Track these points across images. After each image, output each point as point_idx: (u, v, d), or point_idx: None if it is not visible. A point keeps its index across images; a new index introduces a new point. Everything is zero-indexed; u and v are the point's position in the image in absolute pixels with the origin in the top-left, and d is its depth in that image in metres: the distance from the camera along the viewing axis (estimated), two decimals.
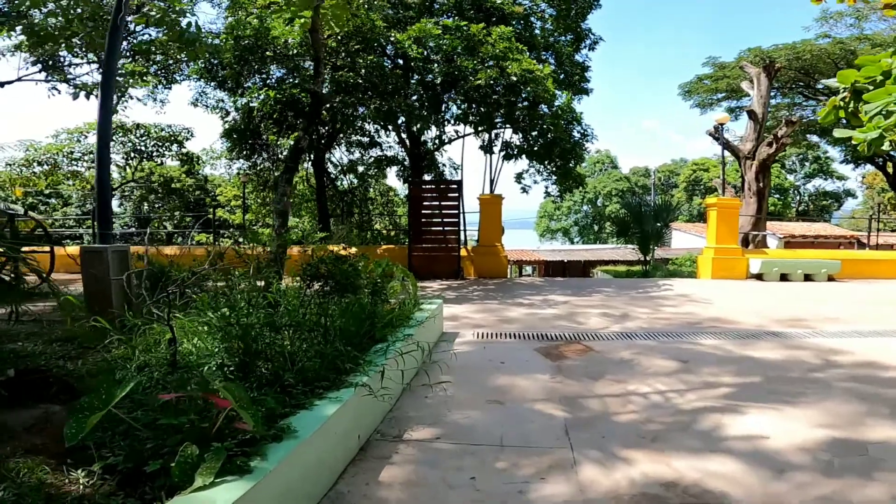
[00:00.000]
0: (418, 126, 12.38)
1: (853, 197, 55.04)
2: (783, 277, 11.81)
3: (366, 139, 18.99)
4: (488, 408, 3.80)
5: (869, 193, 52.16)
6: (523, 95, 10.60)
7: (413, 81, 11.60)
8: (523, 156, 13.35)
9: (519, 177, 18.18)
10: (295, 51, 10.94)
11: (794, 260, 11.90)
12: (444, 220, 11.80)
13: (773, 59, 18.39)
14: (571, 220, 55.01)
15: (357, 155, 19.95)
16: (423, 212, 11.84)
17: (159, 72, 17.51)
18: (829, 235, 34.80)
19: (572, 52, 17.21)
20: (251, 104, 12.71)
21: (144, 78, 12.83)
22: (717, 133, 17.53)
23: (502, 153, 12.88)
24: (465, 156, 23.41)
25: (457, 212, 11.71)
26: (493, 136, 13.23)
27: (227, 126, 15.23)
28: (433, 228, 11.84)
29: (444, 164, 20.32)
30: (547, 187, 18.69)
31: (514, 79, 10.36)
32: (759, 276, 11.89)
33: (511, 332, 6.16)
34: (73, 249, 7.21)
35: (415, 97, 10.91)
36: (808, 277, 11.87)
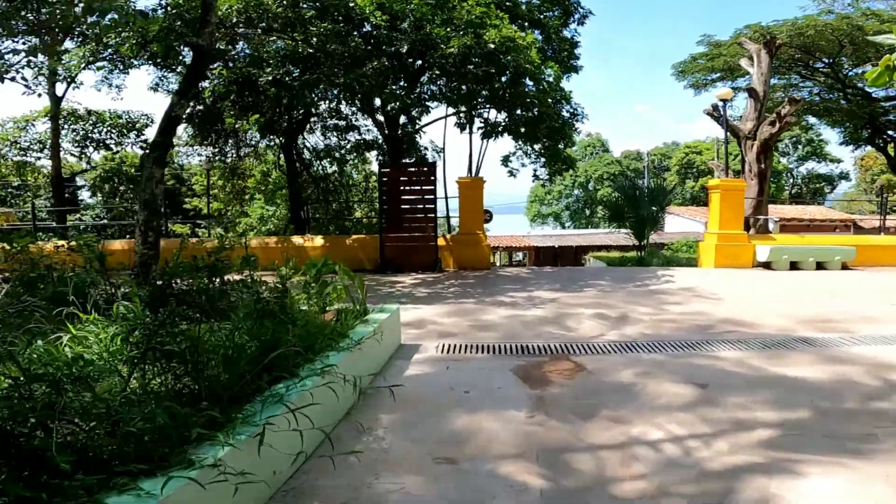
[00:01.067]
0: (393, 105, 11.14)
1: (847, 180, 54.57)
2: (793, 266, 10.74)
3: (342, 122, 17.72)
4: (435, 471, 2.66)
5: (863, 176, 51.63)
6: (503, 65, 9.33)
7: (382, 54, 10.29)
8: (506, 134, 12.11)
9: (506, 159, 17.01)
10: (235, 19, 9.58)
11: (805, 247, 10.83)
12: (420, 205, 10.58)
13: (774, 35, 17.19)
14: (562, 204, 53.84)
15: (335, 140, 18.66)
16: (396, 197, 10.61)
17: (114, 55, 16.09)
18: (824, 219, 34.03)
19: (560, 26, 15.99)
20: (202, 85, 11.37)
21: (62, 58, 11.51)
22: (715, 111, 16.38)
23: (480, 131, 11.55)
24: (448, 138, 21.97)
25: (433, 197, 10.48)
26: (473, 114, 11.93)
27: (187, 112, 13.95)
28: (407, 216, 10.60)
29: (425, 148, 19.07)
30: (535, 170, 17.55)
31: (493, 46, 9.12)
32: (766, 265, 10.81)
33: (485, 345, 5.00)
34: None
35: (381, 70, 9.57)
36: (819, 266, 10.81)
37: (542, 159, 17.08)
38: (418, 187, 10.60)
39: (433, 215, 10.43)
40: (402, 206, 10.58)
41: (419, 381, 3.97)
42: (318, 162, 18.51)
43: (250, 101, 11.71)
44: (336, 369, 3.02)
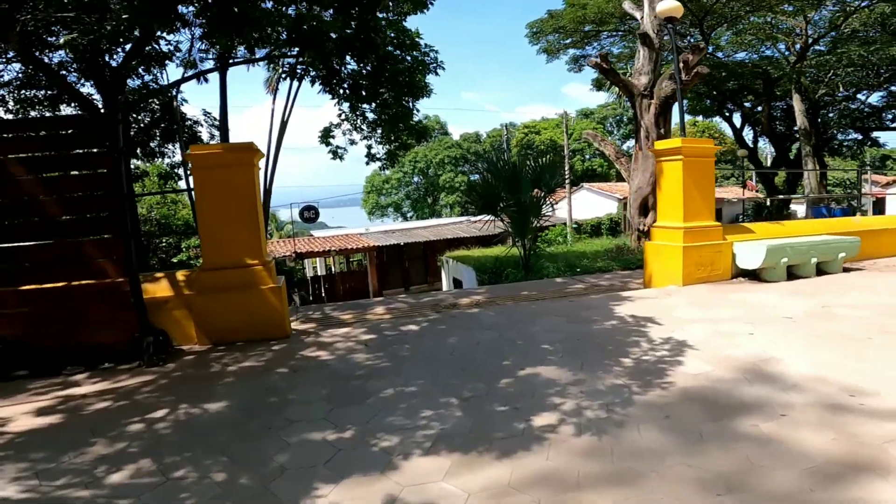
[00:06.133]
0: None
1: None
2: (789, 273, 6.73)
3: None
4: None
5: None
6: None
7: None
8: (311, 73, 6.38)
9: (326, 133, 11.22)
10: None
11: (799, 241, 6.82)
12: (85, 212, 4.28)
13: None
14: (402, 193, 49.10)
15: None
16: (26, 198, 4.23)
17: None
18: None
19: None
20: None
21: None
22: (604, 62, 12.32)
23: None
24: (236, 107, 14.44)
25: (118, 188, 4.27)
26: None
27: None
28: (55, 237, 4.28)
29: (200, 123, 12.34)
30: (370, 147, 12.00)
31: None
32: (753, 275, 6.66)
33: None
34: None
35: None
36: (819, 270, 6.96)
37: (380, 130, 11.65)
38: (71, 171, 4.24)
39: (117, 232, 4.23)
40: (41, 218, 4.27)
41: None
42: None
43: None
44: None
